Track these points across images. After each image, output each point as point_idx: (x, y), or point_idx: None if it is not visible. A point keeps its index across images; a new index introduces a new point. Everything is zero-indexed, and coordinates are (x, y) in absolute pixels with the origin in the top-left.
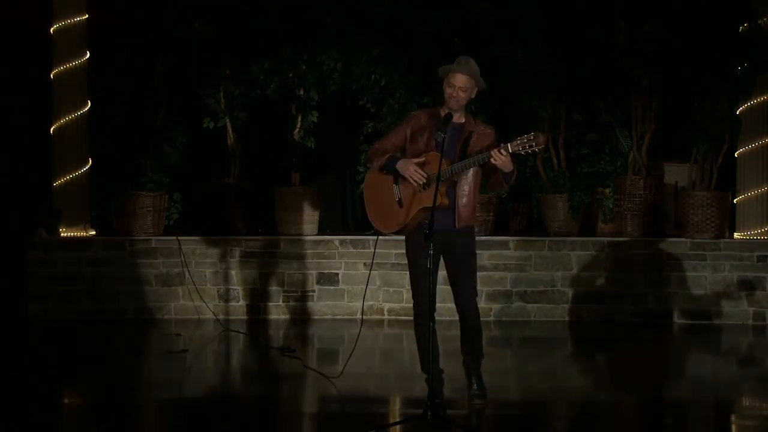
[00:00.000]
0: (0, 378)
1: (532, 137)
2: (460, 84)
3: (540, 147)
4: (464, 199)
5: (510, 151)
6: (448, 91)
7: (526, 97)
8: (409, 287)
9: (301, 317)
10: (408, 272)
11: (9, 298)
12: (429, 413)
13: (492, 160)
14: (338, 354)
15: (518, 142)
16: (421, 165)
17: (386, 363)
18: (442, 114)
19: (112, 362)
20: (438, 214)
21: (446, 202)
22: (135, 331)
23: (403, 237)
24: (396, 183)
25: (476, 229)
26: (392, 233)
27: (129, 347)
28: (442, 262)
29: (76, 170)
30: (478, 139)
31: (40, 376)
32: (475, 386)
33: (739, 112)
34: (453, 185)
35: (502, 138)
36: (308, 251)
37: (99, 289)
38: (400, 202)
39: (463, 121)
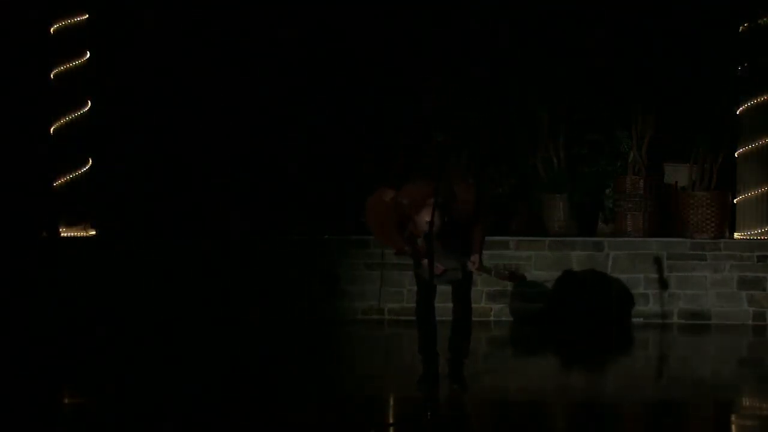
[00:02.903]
0: (1, 378)
1: (513, 272)
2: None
3: (513, 283)
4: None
5: (491, 274)
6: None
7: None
8: (410, 287)
9: (300, 318)
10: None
11: (10, 298)
12: (429, 413)
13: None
14: (341, 355)
15: (501, 270)
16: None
17: (386, 363)
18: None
19: (112, 363)
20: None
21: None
22: (136, 332)
23: None
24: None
25: None
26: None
27: (130, 348)
28: None
29: (76, 170)
30: (462, 194)
31: (41, 377)
32: (454, 379)
33: (739, 112)
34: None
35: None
36: (309, 251)
37: (100, 289)
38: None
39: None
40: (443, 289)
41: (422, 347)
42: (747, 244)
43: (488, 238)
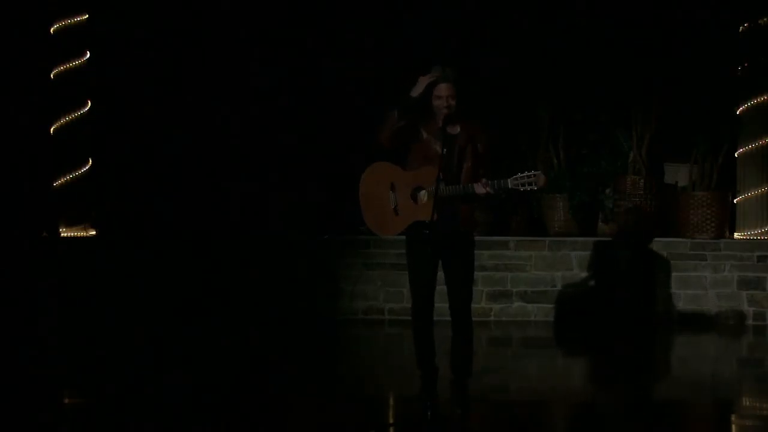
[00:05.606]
0: (1, 378)
1: (533, 176)
2: (448, 93)
3: (539, 186)
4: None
5: (510, 186)
6: (437, 102)
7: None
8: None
9: (300, 317)
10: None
11: (10, 298)
12: (429, 413)
13: (476, 191)
14: (341, 355)
15: (518, 179)
16: (415, 177)
17: (386, 363)
18: (439, 123)
19: (112, 363)
20: (441, 217)
21: (435, 217)
22: (137, 331)
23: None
24: (392, 190)
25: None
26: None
27: (130, 347)
28: (440, 264)
29: (76, 170)
30: (473, 142)
31: (41, 377)
32: (458, 402)
33: (739, 112)
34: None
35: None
36: (309, 251)
37: (100, 288)
38: (396, 210)
39: (458, 131)
40: (441, 289)
41: (419, 363)
42: (747, 244)
43: (488, 238)
